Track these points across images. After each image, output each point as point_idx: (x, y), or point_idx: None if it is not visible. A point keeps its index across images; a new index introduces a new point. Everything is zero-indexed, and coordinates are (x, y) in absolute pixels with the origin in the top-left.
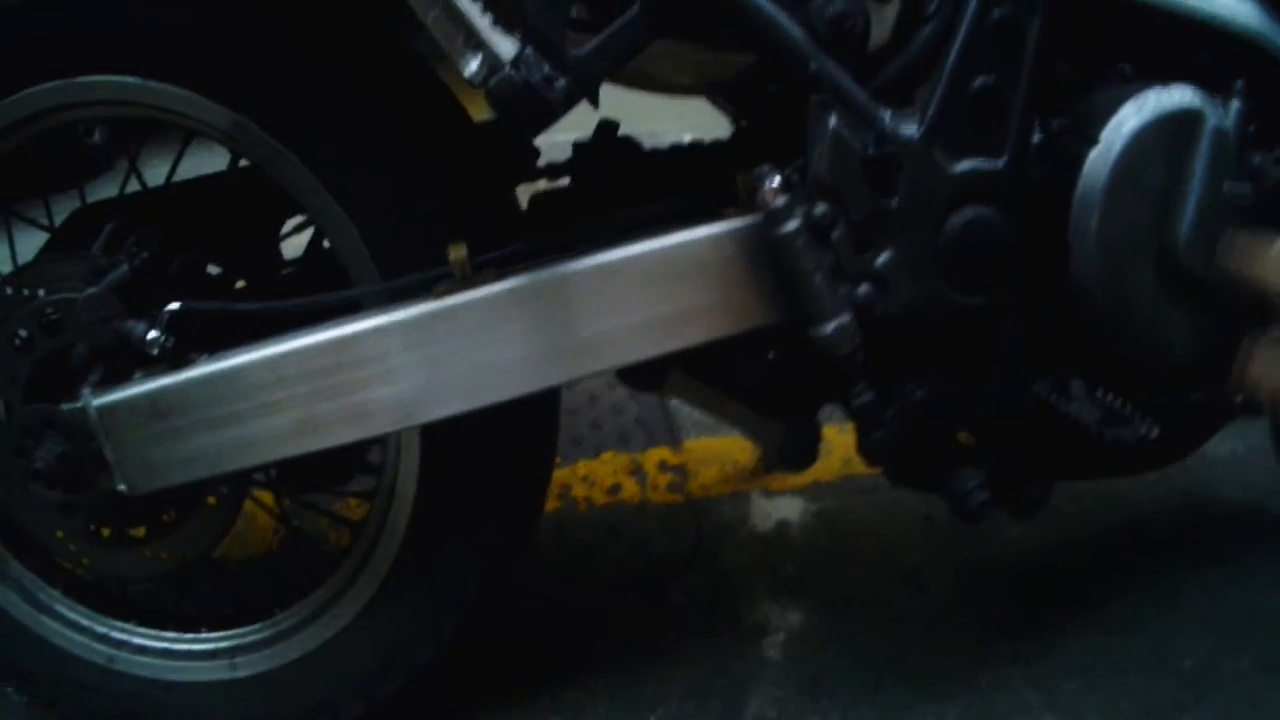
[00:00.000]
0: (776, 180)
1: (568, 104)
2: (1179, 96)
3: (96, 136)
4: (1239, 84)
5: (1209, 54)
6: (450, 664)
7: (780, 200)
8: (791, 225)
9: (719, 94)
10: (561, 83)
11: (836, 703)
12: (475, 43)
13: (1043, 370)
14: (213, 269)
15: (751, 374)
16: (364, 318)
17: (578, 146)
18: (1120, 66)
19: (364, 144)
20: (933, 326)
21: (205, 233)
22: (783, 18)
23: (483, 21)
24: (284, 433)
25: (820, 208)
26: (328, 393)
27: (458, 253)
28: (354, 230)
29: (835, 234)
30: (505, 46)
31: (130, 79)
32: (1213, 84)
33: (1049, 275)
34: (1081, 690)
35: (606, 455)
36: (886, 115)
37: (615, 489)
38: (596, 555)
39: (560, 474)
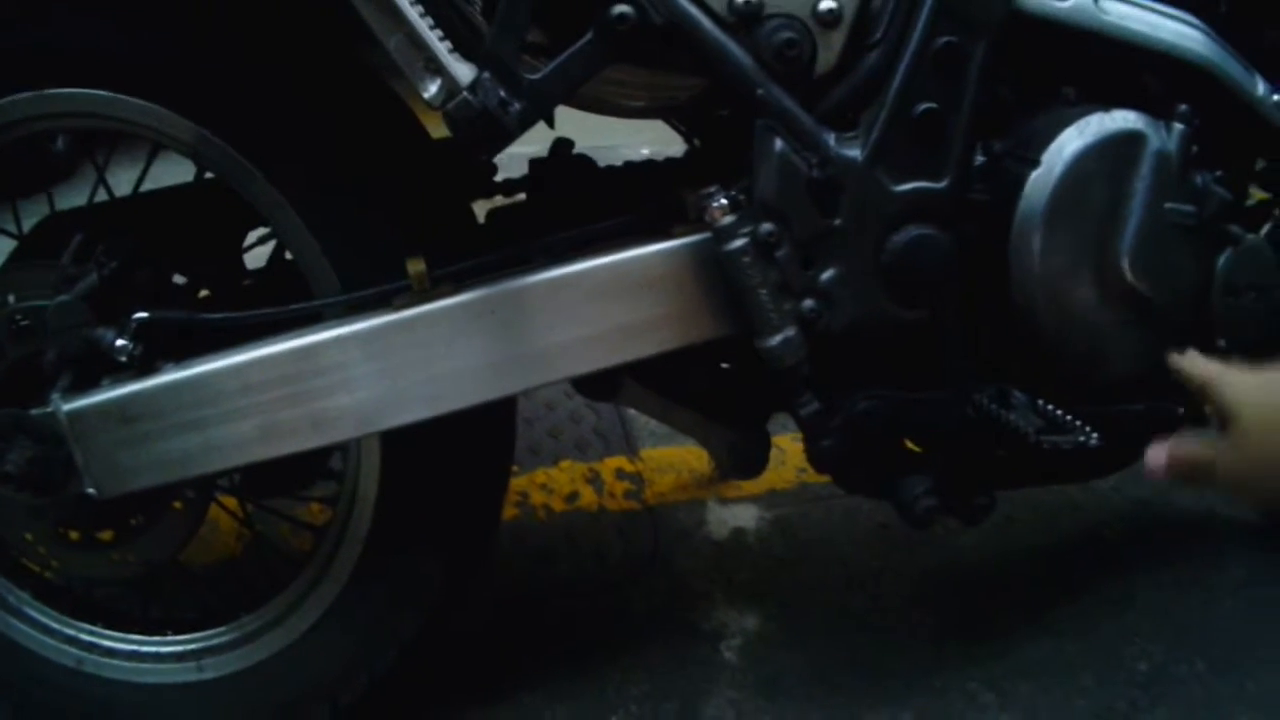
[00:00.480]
0: (724, 200)
1: (523, 126)
2: (1121, 119)
3: (59, 143)
4: (1183, 108)
5: (1153, 78)
6: (412, 667)
7: (727, 219)
8: (738, 243)
9: (673, 115)
10: (517, 107)
11: (793, 704)
12: (435, 68)
13: (985, 382)
14: (178, 279)
15: (702, 384)
16: (325, 328)
17: (534, 163)
18: (1064, 90)
19: (325, 160)
20: (877, 340)
21: (171, 243)
22: (731, 45)
23: (442, 48)
24: (248, 439)
25: (766, 226)
26: (290, 400)
27: (416, 267)
28: (315, 244)
29: (780, 251)
30: (463, 71)
31: (100, 92)
32: (1157, 107)
33: (991, 291)
34: (1036, 692)
35: (564, 463)
36: (831, 138)
37: (573, 496)
38: (554, 561)
39: (518, 482)
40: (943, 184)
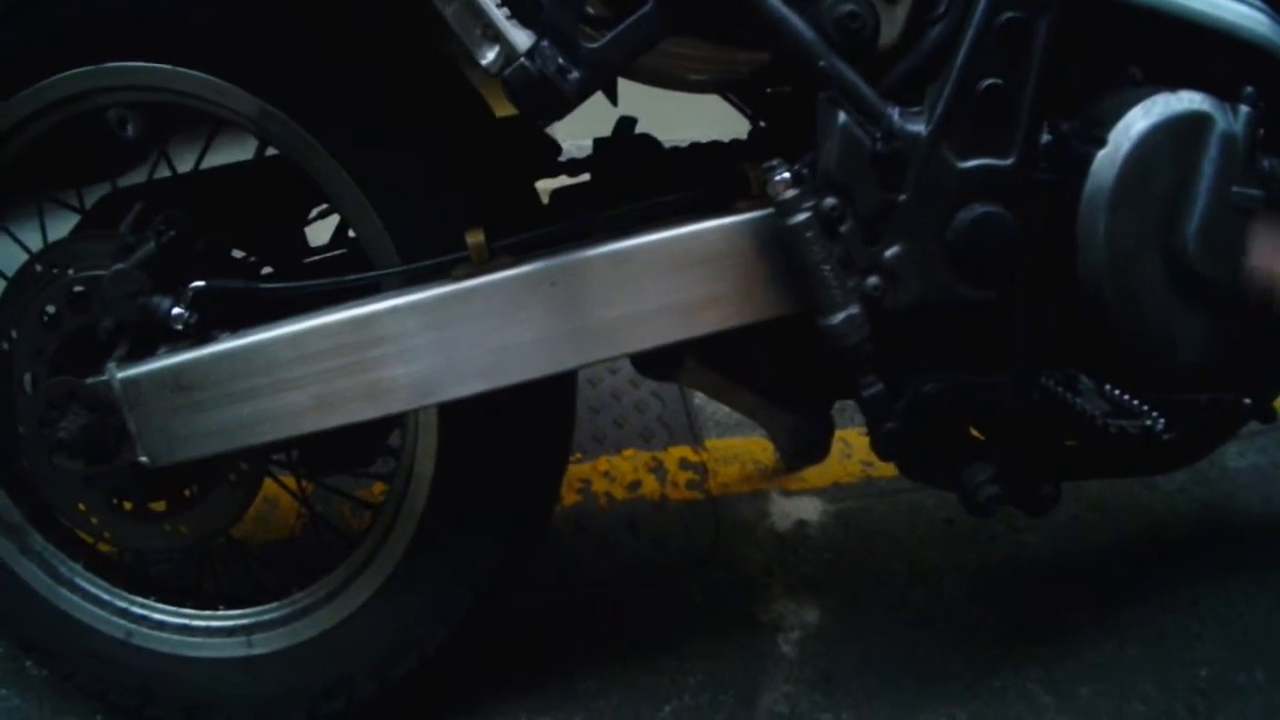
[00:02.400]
0: (787, 173)
1: (581, 96)
2: (1188, 100)
3: (130, 130)
4: (1249, 90)
5: (1219, 60)
6: (464, 648)
7: (790, 192)
8: (801, 217)
9: (736, 94)
10: (575, 75)
11: (849, 699)
12: (492, 34)
13: (1052, 365)
14: (240, 254)
15: (764, 365)
16: (382, 298)
17: (598, 143)
18: (1130, 71)
19: (388, 135)
20: (942, 320)
21: (232, 217)
22: (793, 17)
23: (499, 14)
24: (302, 409)
25: (829, 200)
26: (346, 370)
27: (475, 238)
28: (376, 218)
29: (844, 226)
30: (520, 38)
31: (161, 65)
32: (1223, 89)
33: (1058, 272)
34: (1095, 696)
35: (628, 452)
36: (895, 112)
37: (635, 485)
38: (614, 549)
39: (581, 469)
40: (1009, 161)
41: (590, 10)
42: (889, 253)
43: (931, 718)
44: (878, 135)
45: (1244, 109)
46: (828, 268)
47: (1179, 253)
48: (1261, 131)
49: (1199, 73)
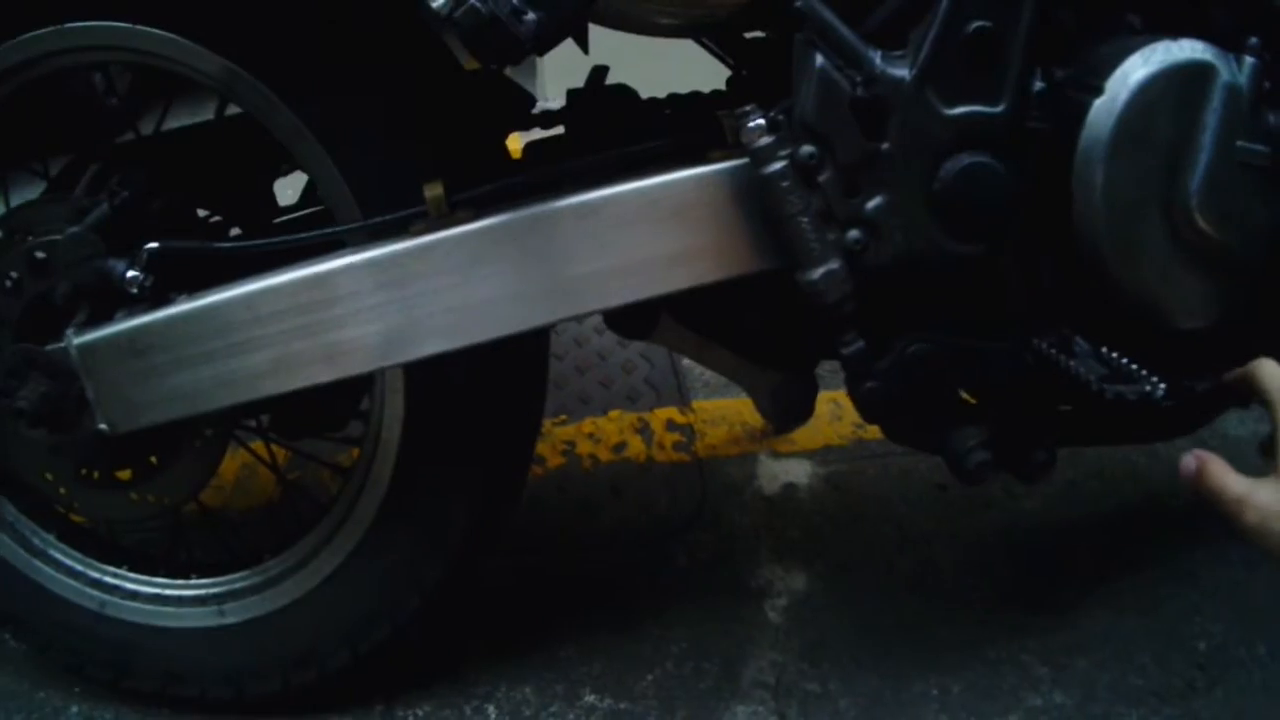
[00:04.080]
0: (761, 120)
1: (539, 39)
2: (1190, 49)
3: (114, 100)
4: (1253, 40)
5: (1222, 9)
6: (439, 615)
7: (765, 140)
8: (776, 166)
9: (714, 41)
10: (531, 16)
11: (837, 668)
12: None
13: (1045, 326)
14: (209, 215)
15: (743, 323)
16: (337, 256)
17: (572, 94)
18: (1129, 19)
19: (349, 90)
20: (928, 276)
21: (195, 177)
22: None
23: None
24: (260, 371)
25: (806, 148)
26: (303, 331)
27: (433, 191)
28: (339, 175)
29: (822, 176)
30: None
31: (120, 24)
32: (1226, 40)
33: (1052, 226)
34: (1092, 668)
35: (614, 413)
36: (877, 55)
37: (621, 447)
38: (598, 513)
39: (566, 431)
40: (999, 109)
41: None
42: (871, 204)
43: (923, 688)
44: (858, 79)
45: (1248, 60)
46: (805, 220)
47: (1181, 208)
48: (1268, 84)
49: (1201, 23)
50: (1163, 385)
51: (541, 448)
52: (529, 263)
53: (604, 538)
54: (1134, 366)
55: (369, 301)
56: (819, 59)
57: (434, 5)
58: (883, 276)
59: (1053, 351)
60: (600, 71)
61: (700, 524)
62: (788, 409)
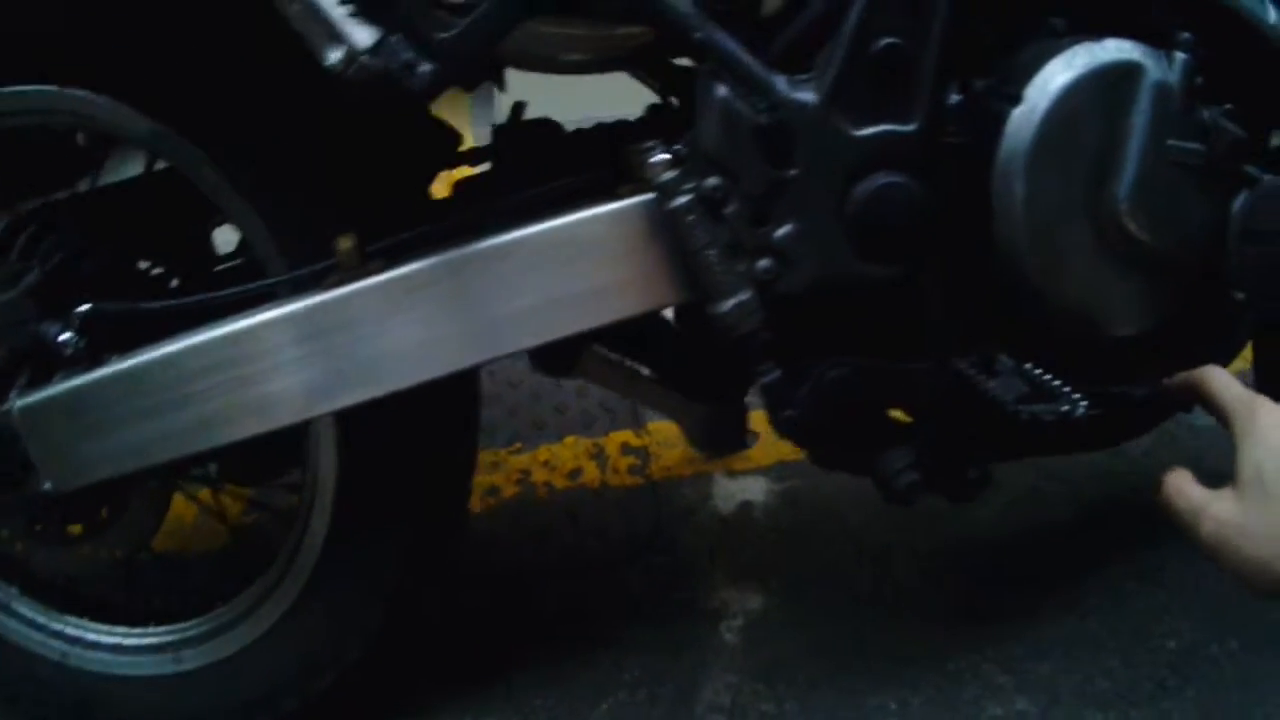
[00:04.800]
0: (665, 155)
1: (436, 88)
2: (1115, 49)
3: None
4: (1184, 35)
5: (1152, 5)
6: (383, 658)
7: (668, 174)
8: (680, 200)
9: (628, 68)
10: (426, 68)
11: (794, 689)
12: (333, 34)
13: (971, 343)
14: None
15: (665, 355)
16: (257, 312)
17: (496, 129)
18: (1051, 22)
19: (267, 143)
20: (843, 300)
21: (130, 233)
22: None
23: (340, 12)
24: (194, 426)
25: (711, 180)
26: (229, 386)
27: (344, 244)
28: (265, 229)
29: (729, 208)
30: (363, 36)
31: (46, 88)
32: (1157, 37)
33: (974, 244)
34: (1056, 673)
35: (569, 439)
36: (780, 81)
37: (576, 473)
38: (553, 540)
39: (520, 460)
40: (912, 126)
41: None
42: (780, 233)
43: (880, 702)
44: (761, 107)
45: (1180, 56)
46: (714, 252)
47: (1109, 215)
48: (1200, 80)
49: (1129, 21)
50: (1084, 403)
51: (496, 477)
52: (442, 310)
53: (559, 567)
54: (1056, 383)
55: (290, 355)
56: (720, 90)
57: (327, 64)
58: (796, 304)
59: (971, 371)
60: (519, 106)
61: (655, 547)
62: (718, 439)
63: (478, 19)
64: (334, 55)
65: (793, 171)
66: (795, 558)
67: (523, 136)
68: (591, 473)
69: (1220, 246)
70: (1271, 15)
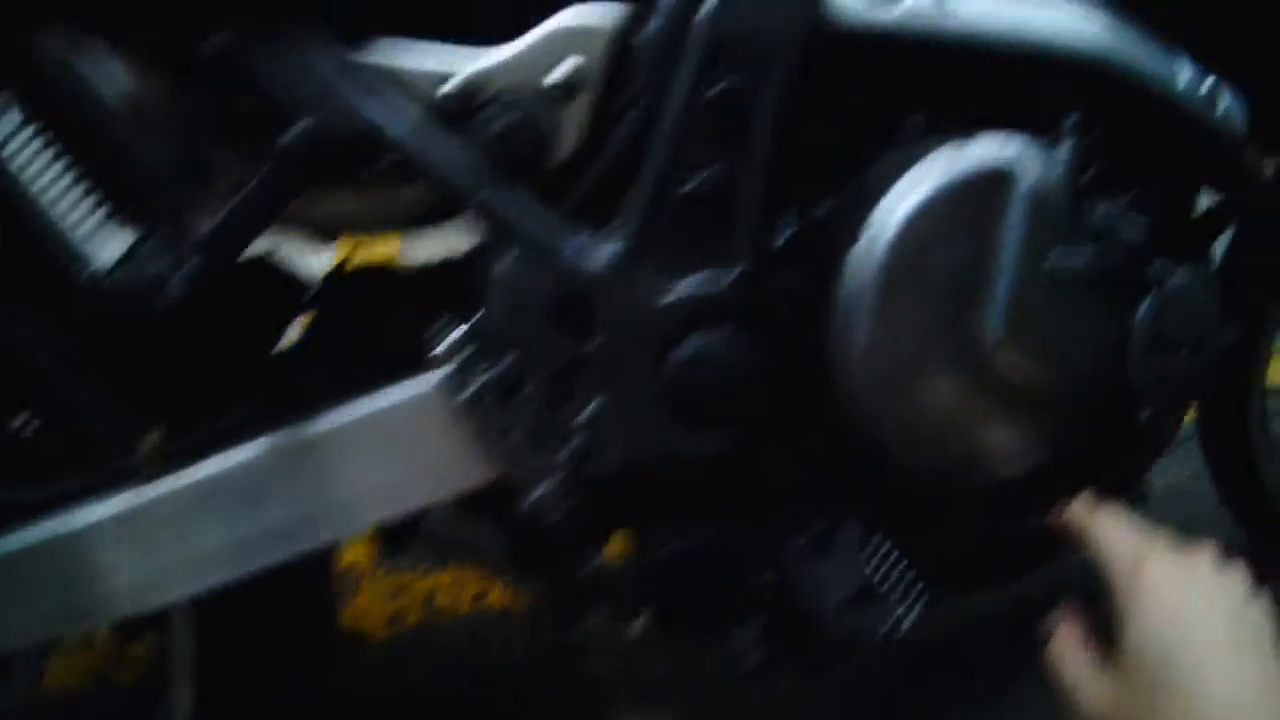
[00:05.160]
0: (457, 334)
1: (204, 279)
2: (977, 155)
3: None
4: (1071, 119)
5: (1037, 85)
6: None
7: (456, 360)
8: (472, 387)
9: (423, 226)
10: (181, 274)
11: None
12: (72, 254)
13: (815, 513)
14: None
15: (495, 532)
16: (69, 515)
17: (326, 279)
18: (910, 120)
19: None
20: (663, 476)
21: None
22: (436, 146)
23: (76, 234)
24: (32, 621)
25: (504, 363)
26: (55, 586)
27: (150, 443)
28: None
29: (525, 390)
30: (109, 249)
31: None
32: (1043, 120)
33: (812, 401)
34: None
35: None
36: (575, 241)
37: (481, 596)
38: (456, 669)
39: (425, 584)
40: (732, 275)
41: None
42: (585, 413)
43: None
44: (551, 275)
45: (1065, 145)
46: (513, 439)
47: (977, 354)
48: (1090, 171)
49: (1007, 107)
50: (916, 609)
51: (402, 603)
52: (248, 506)
53: (459, 694)
54: (900, 570)
55: (108, 557)
56: (504, 260)
57: (81, 280)
58: (611, 486)
59: (802, 557)
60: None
61: (559, 671)
62: (566, 610)
63: (243, 203)
64: (82, 274)
65: (594, 344)
66: (704, 678)
67: (349, 285)
68: (497, 595)
69: (1119, 362)
70: (1181, 79)
